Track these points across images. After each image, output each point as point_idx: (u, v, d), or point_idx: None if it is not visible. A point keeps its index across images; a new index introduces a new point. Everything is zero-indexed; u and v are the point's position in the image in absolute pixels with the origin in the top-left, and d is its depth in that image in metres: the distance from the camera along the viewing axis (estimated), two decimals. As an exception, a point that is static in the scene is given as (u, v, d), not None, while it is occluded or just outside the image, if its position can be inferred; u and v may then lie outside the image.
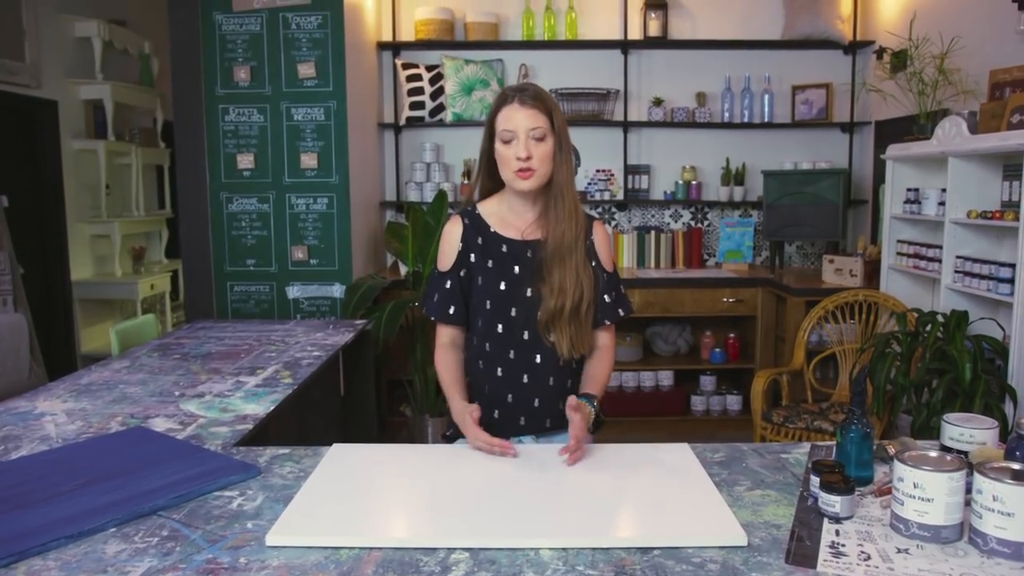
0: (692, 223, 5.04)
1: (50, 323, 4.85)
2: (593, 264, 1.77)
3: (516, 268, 1.74)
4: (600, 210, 5.01)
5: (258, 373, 2.41)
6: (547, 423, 1.78)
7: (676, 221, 5.04)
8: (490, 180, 1.78)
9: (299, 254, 4.12)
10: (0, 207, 3.71)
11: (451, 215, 1.83)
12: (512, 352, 1.75)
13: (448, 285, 1.77)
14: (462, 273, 1.76)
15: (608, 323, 1.81)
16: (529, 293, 1.73)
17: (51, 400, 2.10)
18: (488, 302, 1.75)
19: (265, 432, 1.97)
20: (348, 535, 1.22)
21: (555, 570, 1.13)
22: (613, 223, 5.02)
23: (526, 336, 1.74)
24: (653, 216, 5.04)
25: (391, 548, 1.19)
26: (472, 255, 1.76)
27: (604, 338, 1.84)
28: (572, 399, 1.63)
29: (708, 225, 5.04)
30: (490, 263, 1.75)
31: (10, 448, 1.70)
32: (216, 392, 2.18)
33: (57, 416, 1.94)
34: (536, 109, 1.65)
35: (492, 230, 1.77)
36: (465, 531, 1.24)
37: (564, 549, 1.18)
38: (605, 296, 1.79)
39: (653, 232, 4.91)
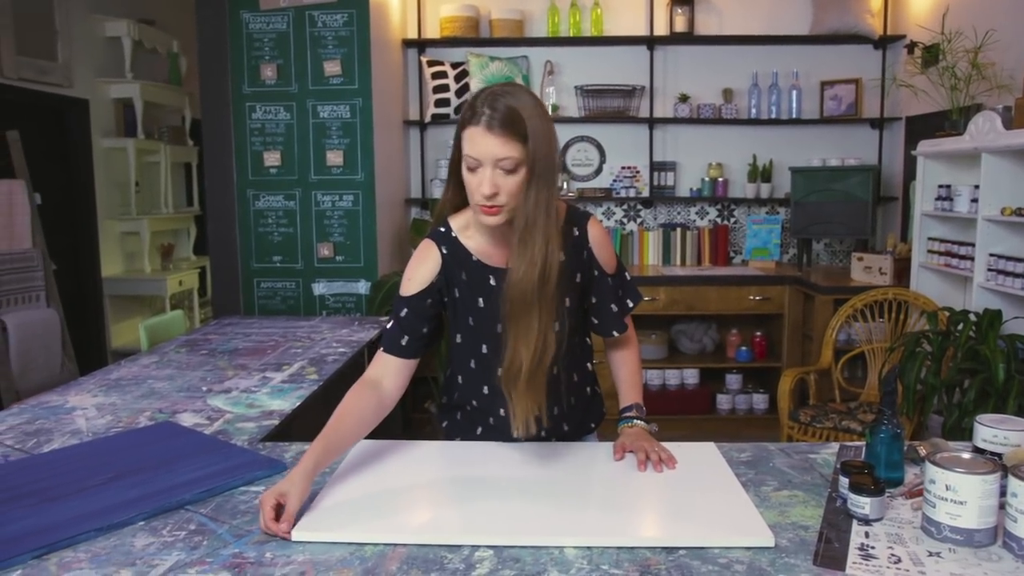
0: (718, 220, 5.00)
1: (81, 319, 4.92)
2: (596, 273, 1.61)
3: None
4: (626, 207, 4.98)
5: (284, 369, 2.43)
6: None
7: (702, 218, 5.00)
8: (460, 194, 1.53)
9: (325, 251, 4.14)
10: (33, 204, 3.77)
11: (424, 240, 1.59)
12: (486, 388, 1.64)
13: (404, 313, 1.55)
14: (428, 301, 1.56)
15: (616, 334, 1.66)
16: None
17: (81, 395, 2.13)
18: (485, 346, 1.59)
19: (291, 428, 1.98)
20: (373, 531, 1.23)
21: (579, 569, 1.12)
22: (639, 220, 4.99)
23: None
24: (679, 213, 5.00)
25: (415, 545, 1.19)
26: (458, 291, 1.57)
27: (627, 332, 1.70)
28: (620, 446, 1.54)
29: (735, 222, 4.99)
30: (481, 302, 1.56)
31: (42, 441, 1.73)
32: (242, 388, 2.20)
33: (87, 410, 1.97)
34: (507, 137, 1.38)
35: (475, 259, 1.56)
36: (489, 529, 1.24)
37: (589, 548, 1.18)
38: (612, 305, 1.63)
39: (679, 229, 4.88)
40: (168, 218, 5.76)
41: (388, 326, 1.58)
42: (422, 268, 1.56)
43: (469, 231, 1.57)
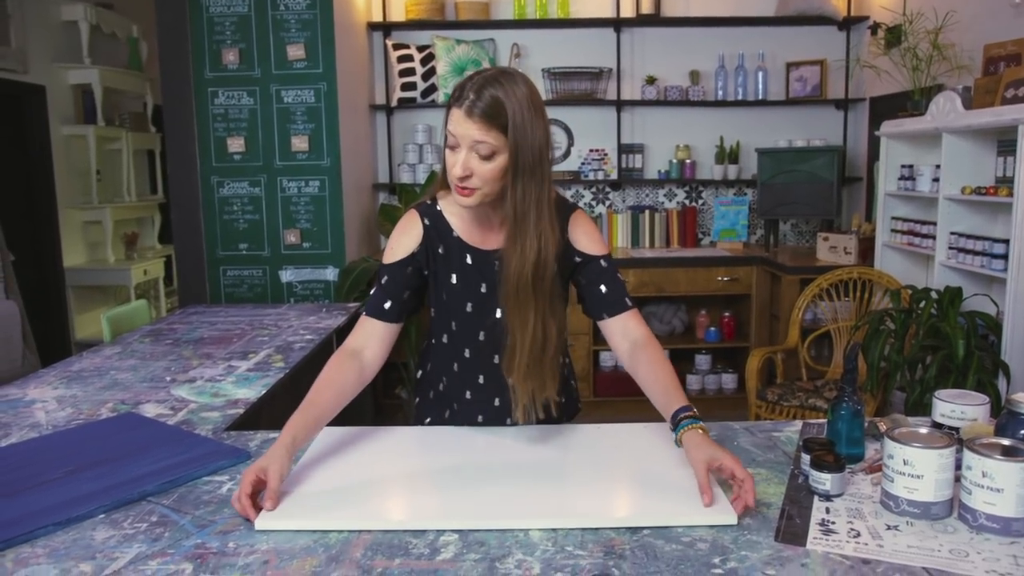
0: (686, 202, 5.02)
1: (43, 310, 4.83)
2: (578, 260, 1.58)
3: (483, 286, 1.57)
4: (594, 190, 4.99)
5: (250, 357, 2.40)
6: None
7: (670, 200, 5.03)
8: None
9: (291, 238, 4.10)
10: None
11: (409, 209, 1.61)
12: (482, 377, 1.64)
13: (385, 280, 1.58)
14: (408, 270, 1.58)
15: (607, 317, 1.56)
16: (498, 315, 1.55)
17: (41, 387, 2.09)
18: (454, 323, 1.61)
19: (258, 416, 1.96)
20: (337, 518, 1.22)
21: (544, 551, 1.12)
22: (607, 203, 5.00)
23: (496, 360, 1.60)
24: (647, 195, 5.02)
25: (380, 531, 1.19)
26: (434, 264, 1.58)
27: (635, 329, 1.55)
28: (705, 467, 1.25)
29: (702, 204, 5.02)
30: (454, 278, 1.58)
31: None
32: (207, 377, 2.17)
33: (47, 403, 1.94)
34: (484, 124, 1.37)
35: (455, 235, 1.57)
36: (454, 513, 1.24)
37: (554, 530, 1.18)
38: (601, 287, 1.56)
39: (647, 211, 4.90)
40: (131, 206, 5.66)
41: (371, 293, 1.60)
42: (404, 238, 1.58)
43: (455, 208, 1.57)
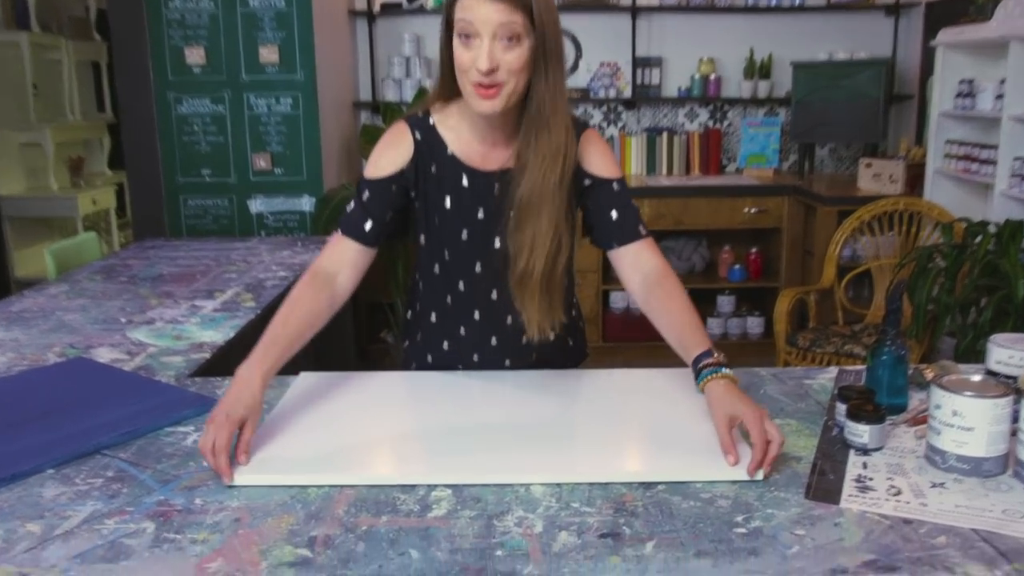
0: (710, 124, 4.97)
1: (-20, 245, 4.82)
2: (587, 183, 1.56)
3: (480, 211, 1.55)
4: (605, 109, 4.93)
5: (216, 297, 2.41)
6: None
7: (691, 121, 4.98)
8: (450, 87, 1.48)
9: (261, 163, 4.07)
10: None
11: (398, 121, 1.58)
12: (478, 313, 1.64)
13: (367, 197, 1.54)
14: (394, 188, 1.54)
15: (616, 246, 1.55)
16: (497, 244, 1.55)
17: (-21, 329, 2.09)
18: (447, 252, 1.59)
19: (226, 361, 1.96)
20: (317, 472, 1.23)
21: (547, 507, 1.14)
22: (620, 124, 4.95)
23: (494, 296, 1.60)
24: (665, 116, 4.97)
25: (365, 486, 1.20)
26: (424, 184, 1.55)
27: (648, 260, 1.54)
28: (727, 424, 1.25)
29: (728, 126, 4.97)
30: (448, 201, 1.55)
31: (-66, 382, 1.70)
32: (168, 318, 2.17)
33: (-14, 347, 1.94)
34: (509, 2, 1.33)
35: (449, 152, 1.54)
36: (448, 466, 1.25)
37: (558, 485, 1.19)
38: (612, 212, 1.55)
39: (665, 134, 4.86)
40: (76, 127, 5.60)
41: (348, 208, 1.57)
42: (391, 151, 1.55)
43: (451, 122, 1.55)
